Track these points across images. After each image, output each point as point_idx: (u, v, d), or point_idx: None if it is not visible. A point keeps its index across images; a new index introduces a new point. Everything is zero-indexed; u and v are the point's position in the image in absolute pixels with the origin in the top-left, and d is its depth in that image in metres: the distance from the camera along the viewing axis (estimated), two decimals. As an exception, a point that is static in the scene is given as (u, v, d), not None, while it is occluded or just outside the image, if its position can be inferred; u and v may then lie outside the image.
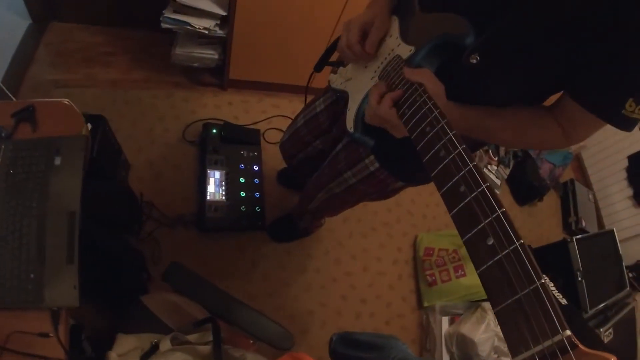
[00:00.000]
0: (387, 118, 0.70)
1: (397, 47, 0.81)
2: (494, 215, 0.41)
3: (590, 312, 1.97)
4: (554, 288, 1.88)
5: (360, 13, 0.88)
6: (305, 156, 1.42)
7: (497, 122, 0.78)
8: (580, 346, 0.32)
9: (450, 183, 0.48)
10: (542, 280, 0.36)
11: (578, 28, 0.62)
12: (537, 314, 0.35)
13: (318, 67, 1.11)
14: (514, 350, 0.36)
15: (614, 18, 0.59)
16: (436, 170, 0.51)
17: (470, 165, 0.46)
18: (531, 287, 0.36)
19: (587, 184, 3.07)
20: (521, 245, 0.38)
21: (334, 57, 1.09)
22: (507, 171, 2.78)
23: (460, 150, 0.49)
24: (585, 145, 3.03)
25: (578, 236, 2.10)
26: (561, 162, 2.85)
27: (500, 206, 0.41)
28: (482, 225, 0.42)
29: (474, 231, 0.43)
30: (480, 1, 0.70)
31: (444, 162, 0.50)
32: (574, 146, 2.92)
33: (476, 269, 0.41)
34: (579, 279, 1.99)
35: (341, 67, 1.06)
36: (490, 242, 0.41)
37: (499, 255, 0.39)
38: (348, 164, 1.13)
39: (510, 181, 2.81)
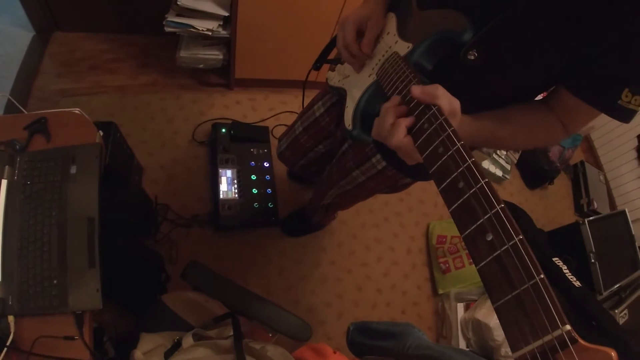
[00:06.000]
0: (402, 147, 0.61)
1: (395, 44, 0.81)
2: (493, 211, 0.41)
3: (605, 293, 1.97)
4: (567, 270, 1.87)
5: (355, 9, 0.87)
6: (308, 162, 1.42)
7: (509, 130, 0.77)
8: (581, 341, 0.32)
9: (449, 179, 0.48)
10: (542, 276, 0.35)
11: (576, 22, 0.62)
12: (536, 309, 0.35)
13: (316, 66, 1.11)
14: (514, 346, 0.36)
15: (610, 10, 0.59)
16: (435, 167, 0.50)
17: (469, 161, 0.46)
18: (530, 283, 0.36)
19: (598, 165, 3.04)
20: (520, 240, 0.38)
21: (331, 55, 1.08)
22: (517, 156, 2.76)
23: (458, 147, 0.48)
24: (593, 126, 2.99)
25: (590, 218, 2.09)
26: (571, 144, 2.82)
27: (499, 202, 0.41)
28: (481, 221, 0.42)
29: (473, 227, 0.43)
30: None
31: (443, 159, 0.49)
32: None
33: (475, 265, 0.42)
34: (592, 260, 1.99)
35: (339, 65, 1.05)
36: (489, 237, 0.40)
37: (498, 251, 0.39)
38: (356, 163, 1.13)
39: (520, 165, 2.80)
